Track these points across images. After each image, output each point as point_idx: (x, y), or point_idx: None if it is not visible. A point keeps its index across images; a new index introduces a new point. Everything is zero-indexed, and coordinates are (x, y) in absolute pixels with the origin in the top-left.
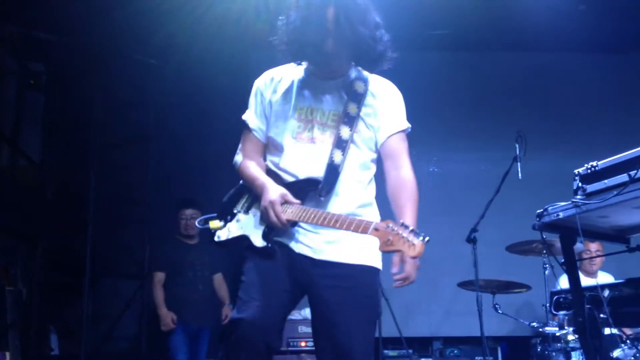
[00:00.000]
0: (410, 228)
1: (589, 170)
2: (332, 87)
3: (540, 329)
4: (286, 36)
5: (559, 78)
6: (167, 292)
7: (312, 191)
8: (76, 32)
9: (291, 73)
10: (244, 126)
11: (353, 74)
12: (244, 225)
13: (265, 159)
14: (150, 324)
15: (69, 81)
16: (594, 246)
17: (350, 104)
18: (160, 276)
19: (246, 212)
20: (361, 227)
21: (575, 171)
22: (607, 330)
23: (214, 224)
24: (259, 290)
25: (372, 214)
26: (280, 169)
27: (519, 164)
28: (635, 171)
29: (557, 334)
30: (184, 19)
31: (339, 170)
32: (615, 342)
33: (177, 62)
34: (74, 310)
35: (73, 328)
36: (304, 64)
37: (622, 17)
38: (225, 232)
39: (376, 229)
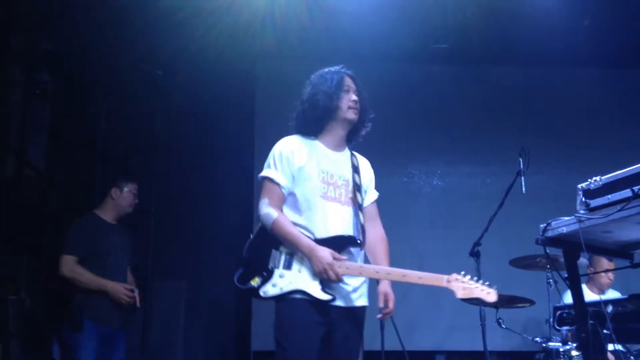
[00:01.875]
0: (477, 280)
1: (592, 185)
2: (341, 157)
3: (544, 344)
4: (305, 106)
5: (562, 93)
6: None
7: (350, 246)
8: (83, 42)
9: (307, 143)
10: (270, 182)
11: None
12: (294, 280)
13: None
14: (153, 333)
15: (75, 92)
16: (606, 261)
17: (355, 175)
18: (70, 260)
19: (288, 268)
20: (436, 281)
21: (579, 186)
22: (610, 346)
23: (254, 280)
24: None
25: None
26: (305, 225)
27: (522, 178)
28: (638, 186)
29: (561, 350)
30: (192, 31)
31: (365, 229)
32: (619, 358)
33: (184, 73)
34: None
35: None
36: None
37: (626, 32)
38: (272, 287)
39: (448, 281)
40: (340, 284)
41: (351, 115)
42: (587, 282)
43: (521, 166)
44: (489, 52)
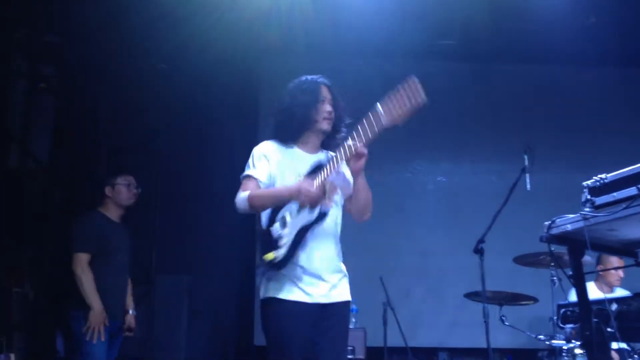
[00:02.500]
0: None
1: (597, 183)
2: (317, 158)
3: (548, 342)
4: (284, 116)
5: (567, 90)
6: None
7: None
8: (88, 36)
9: (283, 149)
10: (248, 178)
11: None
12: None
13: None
14: (157, 327)
15: (79, 85)
16: (615, 259)
17: None
18: (84, 258)
19: (284, 227)
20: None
21: (584, 183)
22: (614, 345)
23: (269, 255)
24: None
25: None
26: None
27: (527, 175)
28: None
29: (564, 348)
30: (197, 25)
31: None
32: (622, 356)
33: (188, 67)
34: None
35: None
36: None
37: (632, 31)
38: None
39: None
40: (319, 282)
41: (325, 125)
42: (595, 280)
43: (526, 163)
44: (495, 49)
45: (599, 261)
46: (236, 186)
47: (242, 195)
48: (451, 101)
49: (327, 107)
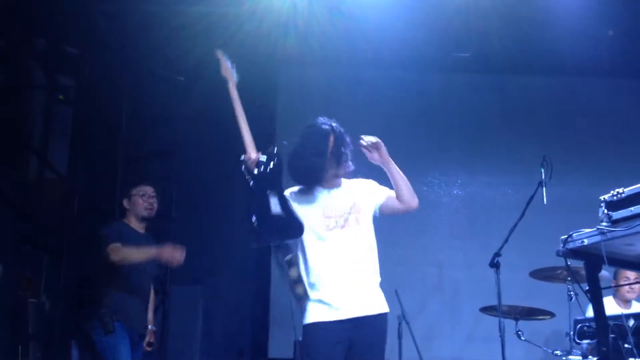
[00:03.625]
0: None
1: (614, 197)
2: (338, 192)
3: (564, 358)
4: (301, 173)
5: (585, 103)
6: (113, 285)
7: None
8: (106, 47)
9: (306, 189)
10: None
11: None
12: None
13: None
14: (171, 337)
15: (97, 96)
16: (632, 274)
17: (355, 198)
18: (117, 245)
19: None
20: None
21: (601, 197)
22: None
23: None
24: None
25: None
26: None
27: (544, 189)
28: None
29: None
30: (215, 37)
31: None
32: None
33: (205, 79)
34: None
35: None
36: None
37: None
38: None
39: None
40: (348, 296)
41: (345, 170)
42: (613, 295)
43: (543, 177)
44: (511, 61)
45: (614, 276)
46: None
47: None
48: (466, 113)
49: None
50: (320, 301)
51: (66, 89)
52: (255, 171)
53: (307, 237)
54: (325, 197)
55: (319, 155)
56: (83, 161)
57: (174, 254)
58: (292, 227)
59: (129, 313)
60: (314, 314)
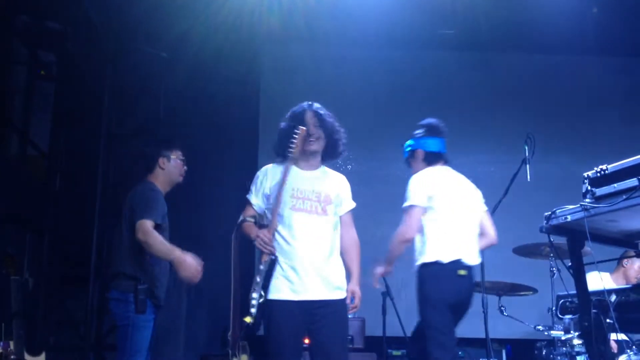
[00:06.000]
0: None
1: (598, 174)
2: (313, 174)
3: (546, 333)
4: (278, 147)
5: (569, 80)
6: (140, 260)
7: None
8: (88, 23)
9: (281, 166)
10: (247, 204)
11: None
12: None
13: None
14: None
15: (79, 72)
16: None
17: (327, 188)
18: (149, 224)
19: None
20: None
21: (585, 174)
22: (613, 336)
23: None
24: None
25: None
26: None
27: (527, 166)
28: None
29: (563, 338)
30: (198, 13)
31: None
32: (621, 347)
33: (189, 55)
34: (80, 302)
35: (78, 319)
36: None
37: (634, 20)
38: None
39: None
40: (308, 279)
41: (311, 147)
42: (612, 273)
43: (526, 154)
44: (496, 39)
45: (622, 255)
46: (236, 174)
47: (240, 220)
48: (451, 90)
49: (312, 130)
50: None
51: (48, 65)
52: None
53: None
54: (299, 178)
55: (292, 125)
56: (65, 138)
57: (196, 271)
58: None
59: (160, 295)
60: None
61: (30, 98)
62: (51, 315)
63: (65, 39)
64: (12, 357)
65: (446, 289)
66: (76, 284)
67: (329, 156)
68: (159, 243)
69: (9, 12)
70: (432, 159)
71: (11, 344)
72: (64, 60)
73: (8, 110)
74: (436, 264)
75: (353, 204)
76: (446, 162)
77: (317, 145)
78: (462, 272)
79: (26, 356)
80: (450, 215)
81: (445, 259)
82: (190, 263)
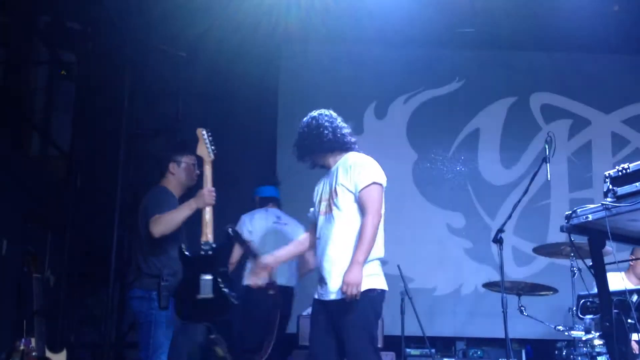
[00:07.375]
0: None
1: (619, 173)
2: (329, 175)
3: (567, 333)
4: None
5: (590, 78)
6: (161, 258)
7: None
8: (109, 23)
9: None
10: None
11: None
12: None
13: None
14: None
15: (100, 72)
16: None
17: (332, 182)
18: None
19: None
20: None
21: (606, 173)
22: (634, 336)
23: None
24: None
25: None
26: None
27: (548, 165)
28: None
29: (583, 339)
30: (217, 13)
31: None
32: None
33: (208, 55)
34: (100, 300)
35: (99, 317)
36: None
37: None
38: None
39: None
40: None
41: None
42: (626, 271)
43: (547, 153)
44: (516, 37)
45: (632, 252)
46: (255, 171)
47: None
48: (471, 89)
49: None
50: None
51: (69, 65)
52: (202, 252)
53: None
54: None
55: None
56: (86, 138)
57: (210, 196)
58: (219, 308)
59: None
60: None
61: (51, 98)
62: (72, 313)
63: (85, 39)
64: (33, 354)
65: None
66: (97, 282)
67: (320, 151)
68: (169, 216)
69: (30, 13)
70: None
71: (33, 341)
72: (84, 60)
73: (29, 110)
74: None
75: (365, 181)
76: None
77: (312, 162)
78: None
79: (47, 353)
80: None
81: None
82: (202, 193)
